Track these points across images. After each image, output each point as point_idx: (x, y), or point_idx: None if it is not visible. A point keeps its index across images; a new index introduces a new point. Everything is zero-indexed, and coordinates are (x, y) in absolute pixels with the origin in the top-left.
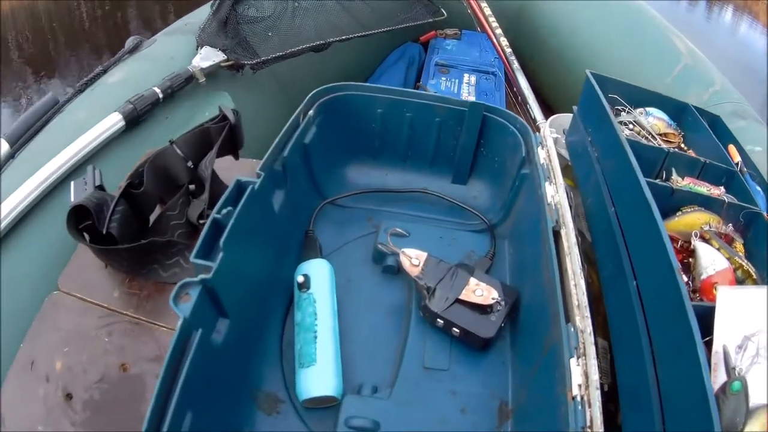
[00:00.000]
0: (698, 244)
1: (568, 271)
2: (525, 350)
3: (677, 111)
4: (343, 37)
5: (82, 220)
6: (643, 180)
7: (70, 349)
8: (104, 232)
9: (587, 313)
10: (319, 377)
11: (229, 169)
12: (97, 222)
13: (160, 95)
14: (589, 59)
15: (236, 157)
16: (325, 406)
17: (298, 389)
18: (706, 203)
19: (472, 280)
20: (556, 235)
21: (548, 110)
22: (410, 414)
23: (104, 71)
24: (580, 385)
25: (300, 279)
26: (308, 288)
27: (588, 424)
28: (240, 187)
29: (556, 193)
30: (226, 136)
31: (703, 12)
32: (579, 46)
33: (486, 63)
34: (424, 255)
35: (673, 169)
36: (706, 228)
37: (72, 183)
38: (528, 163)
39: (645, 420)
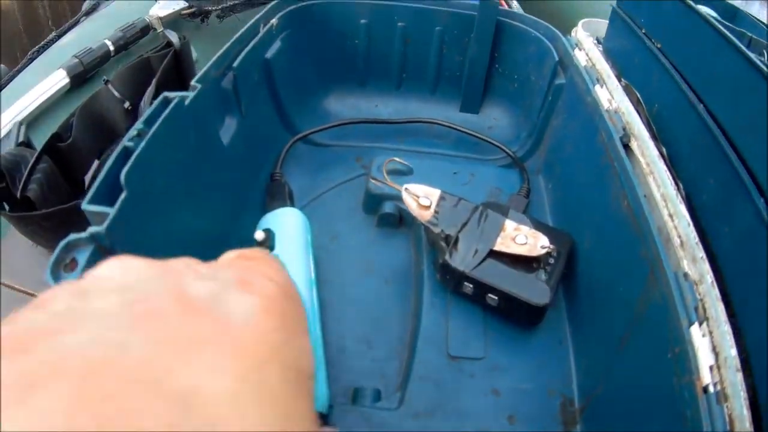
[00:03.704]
0: None
1: (654, 196)
2: (596, 322)
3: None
4: None
5: None
6: (753, 56)
7: None
8: (19, 195)
9: (701, 253)
10: None
11: None
12: (11, 184)
13: (111, 48)
14: None
15: None
16: None
17: None
18: None
19: (509, 223)
20: (626, 149)
21: None
22: (433, 429)
23: (58, 37)
24: (711, 368)
25: (259, 236)
26: (271, 249)
27: (728, 428)
28: (166, 103)
29: (612, 98)
30: (169, 66)
31: None
32: None
33: None
34: (436, 192)
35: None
36: None
37: None
38: (563, 70)
39: None
